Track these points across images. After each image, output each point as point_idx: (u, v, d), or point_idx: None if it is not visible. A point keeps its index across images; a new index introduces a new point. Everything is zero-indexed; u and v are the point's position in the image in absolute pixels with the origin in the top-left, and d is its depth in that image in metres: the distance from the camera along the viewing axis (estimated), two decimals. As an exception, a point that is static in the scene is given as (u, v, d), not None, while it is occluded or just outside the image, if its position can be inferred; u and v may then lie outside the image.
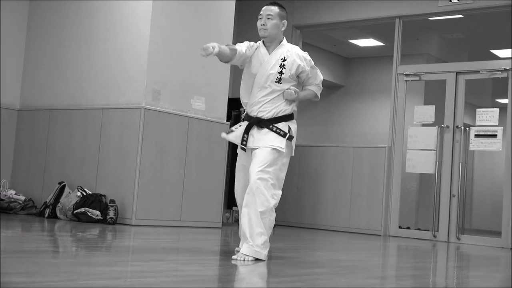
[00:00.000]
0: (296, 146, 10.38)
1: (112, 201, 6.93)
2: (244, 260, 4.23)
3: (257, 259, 4.25)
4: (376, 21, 9.75)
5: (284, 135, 4.43)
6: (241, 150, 4.59)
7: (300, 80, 4.64)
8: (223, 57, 4.48)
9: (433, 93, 9.90)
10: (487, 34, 10.76)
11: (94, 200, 6.95)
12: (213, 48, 4.25)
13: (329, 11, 9.99)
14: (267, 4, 4.69)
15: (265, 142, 4.41)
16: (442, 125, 8.81)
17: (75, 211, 6.88)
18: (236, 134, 4.55)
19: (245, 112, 4.63)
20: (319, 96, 4.83)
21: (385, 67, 10.49)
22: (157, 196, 7.15)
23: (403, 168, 9.05)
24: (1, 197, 7.50)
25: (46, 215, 7.18)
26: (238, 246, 4.54)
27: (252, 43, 4.65)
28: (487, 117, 8.47)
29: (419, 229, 9.25)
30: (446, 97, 8.89)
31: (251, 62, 4.58)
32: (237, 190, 4.66)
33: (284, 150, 4.44)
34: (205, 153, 7.64)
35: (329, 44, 12.42)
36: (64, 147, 7.69)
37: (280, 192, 4.47)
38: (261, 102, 4.49)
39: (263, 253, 4.30)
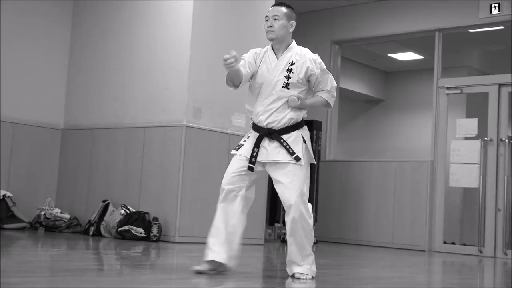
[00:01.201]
0: (336, 161, 10.40)
1: (155, 219, 6.96)
2: (304, 279, 4.20)
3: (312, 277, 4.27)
4: (415, 34, 9.68)
5: (292, 153, 4.15)
6: (232, 153, 4.33)
7: (310, 85, 4.37)
8: (236, 78, 4.23)
9: (476, 106, 9.77)
10: (529, 45, 10.60)
11: (137, 218, 6.99)
12: (234, 55, 4.00)
13: (367, 26, 9.96)
14: (273, 5, 4.46)
15: (284, 156, 4.16)
16: (486, 138, 8.67)
17: (119, 229, 6.93)
18: (246, 147, 4.25)
19: (252, 122, 4.36)
20: (331, 104, 4.50)
21: (426, 81, 10.40)
22: (200, 213, 7.16)
23: (446, 182, 8.93)
24: (47, 216, 7.59)
25: (91, 233, 7.24)
26: (202, 266, 4.22)
27: (257, 50, 4.40)
28: (532, 129, 8.33)
29: (464, 244, 9.09)
30: (489, 109, 8.77)
31: (260, 69, 4.31)
32: (229, 177, 4.28)
33: (303, 164, 4.19)
34: (247, 169, 7.62)
35: (369, 58, 12.37)
36: (107, 165, 7.76)
37: (310, 205, 4.30)
38: (269, 110, 4.23)
39: (315, 271, 4.31)
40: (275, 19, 4.33)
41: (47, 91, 8.27)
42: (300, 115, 4.28)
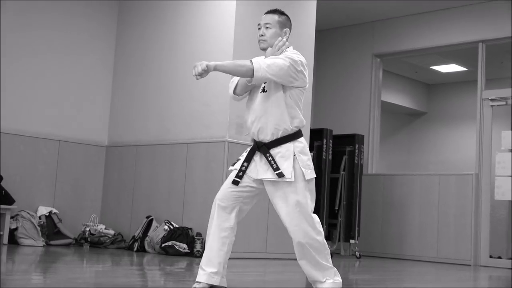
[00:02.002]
0: (379, 175, 10.32)
1: (199, 234, 7.00)
2: None
3: None
4: (458, 46, 9.60)
5: (276, 169, 3.87)
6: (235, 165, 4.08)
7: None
8: (243, 89, 4.07)
9: (521, 117, 9.62)
10: None
11: (181, 233, 7.03)
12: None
13: (409, 38, 9.91)
14: (266, 12, 4.16)
15: (273, 174, 3.89)
16: (532, 150, 8.54)
17: (163, 245, 6.98)
18: (240, 162, 4.04)
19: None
20: (255, 75, 3.88)
21: (469, 93, 10.29)
22: (243, 228, 7.14)
23: (491, 195, 8.79)
24: (92, 232, 7.68)
25: (135, 249, 7.31)
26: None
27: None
28: None
29: (511, 258, 8.93)
30: (534, 121, 8.64)
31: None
32: (223, 191, 4.05)
33: (292, 179, 3.86)
34: (289, 184, 7.62)
35: (410, 71, 12.29)
36: (150, 181, 7.83)
37: (316, 217, 4.01)
38: (256, 120, 3.96)
39: (340, 281, 4.05)
40: (267, 28, 4.07)
41: (92, 109, 8.40)
42: (288, 123, 3.94)
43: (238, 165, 4.02)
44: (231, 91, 4.15)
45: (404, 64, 11.68)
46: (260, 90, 3.98)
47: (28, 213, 7.39)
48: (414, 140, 13.21)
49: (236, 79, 4.14)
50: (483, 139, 9.01)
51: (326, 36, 10.45)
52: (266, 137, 3.93)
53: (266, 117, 3.94)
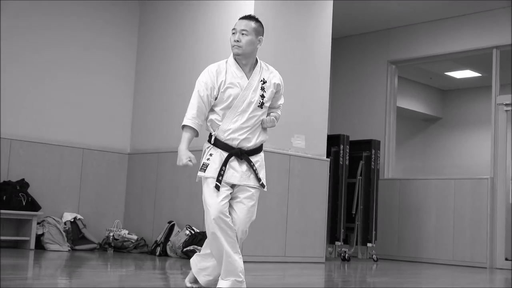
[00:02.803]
0: (395, 179, 10.31)
1: (219, 239, 7.01)
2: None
3: None
4: (472, 52, 9.58)
5: (259, 180, 3.97)
6: (199, 175, 3.99)
7: (271, 103, 4.10)
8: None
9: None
10: None
11: (202, 238, 7.05)
12: (190, 160, 3.92)
13: (423, 45, 9.90)
14: (241, 18, 4.08)
15: (254, 181, 3.96)
16: (546, 154, 8.50)
17: (185, 249, 7.01)
18: (214, 167, 3.91)
19: (214, 137, 3.98)
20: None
21: (483, 98, 10.26)
22: (262, 232, 7.20)
23: (507, 199, 8.76)
24: (115, 237, 7.74)
25: (157, 253, 7.35)
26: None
27: (215, 66, 4.15)
28: None
29: (526, 260, 8.89)
30: (549, 125, 8.59)
31: (225, 82, 4.02)
32: (221, 206, 3.88)
33: (266, 190, 4.09)
34: (307, 189, 7.66)
35: (425, 77, 12.26)
36: (171, 187, 7.88)
37: None
38: (243, 129, 3.92)
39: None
40: (242, 34, 3.99)
41: (114, 118, 8.48)
42: (266, 137, 4.06)
43: (213, 171, 3.90)
44: (185, 123, 4.16)
45: (419, 71, 11.66)
46: (258, 103, 3.95)
47: (54, 219, 7.47)
48: (430, 145, 13.17)
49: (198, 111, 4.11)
50: (498, 143, 8.98)
51: (342, 44, 10.46)
52: (248, 145, 3.95)
53: (256, 130, 3.96)
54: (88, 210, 8.06)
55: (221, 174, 3.86)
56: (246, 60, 4.02)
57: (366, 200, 9.01)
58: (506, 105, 8.97)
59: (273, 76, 4.07)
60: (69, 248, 7.41)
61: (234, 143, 3.92)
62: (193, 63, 7.95)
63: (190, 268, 6.03)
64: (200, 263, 4.17)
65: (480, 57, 9.80)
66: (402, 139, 11.68)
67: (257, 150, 4.00)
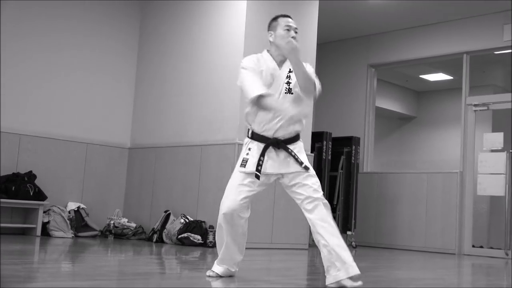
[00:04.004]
0: (373, 173, 10.34)
1: (211, 227, 7.03)
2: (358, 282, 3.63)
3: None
4: (444, 57, 9.60)
5: (301, 163, 3.76)
6: (241, 171, 3.77)
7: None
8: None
9: (501, 121, 9.62)
10: (550, 64, 10.40)
11: (195, 226, 7.07)
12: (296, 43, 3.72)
13: (401, 50, 9.92)
14: (286, 16, 3.99)
15: (295, 167, 3.76)
16: (511, 151, 8.52)
17: (179, 236, 7.01)
18: (252, 161, 3.77)
19: (251, 131, 3.86)
20: (316, 92, 3.83)
21: (454, 99, 10.29)
22: (250, 221, 7.14)
23: (474, 191, 8.80)
24: (116, 225, 7.73)
25: (154, 240, 7.35)
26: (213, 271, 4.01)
27: (254, 58, 3.92)
28: (554, 142, 8.15)
29: (491, 247, 8.92)
30: (513, 124, 8.63)
31: (263, 76, 3.86)
32: (237, 205, 3.81)
33: (313, 173, 3.82)
34: (292, 182, 7.64)
35: (402, 79, 12.28)
36: (168, 179, 7.87)
37: None
38: (277, 118, 3.77)
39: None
40: (296, 32, 3.92)
41: (116, 115, 8.45)
42: (302, 127, 3.90)
43: (252, 165, 3.75)
44: (258, 92, 3.72)
45: (396, 74, 11.68)
46: (285, 90, 3.82)
47: (59, 208, 7.44)
48: (405, 142, 13.20)
49: (256, 84, 3.77)
50: (467, 140, 9.01)
51: (326, 49, 10.46)
52: (283, 135, 3.80)
53: (290, 119, 3.79)
54: (90, 200, 8.04)
55: (260, 164, 3.73)
56: (283, 56, 3.91)
57: (346, 192, 9.02)
58: (475, 105, 9.00)
59: None
60: (73, 235, 7.39)
61: (270, 133, 3.79)
62: (190, 64, 7.93)
63: (184, 254, 6.05)
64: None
65: (452, 61, 9.82)
66: (380, 136, 11.69)
67: (294, 139, 3.85)
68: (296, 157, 3.78)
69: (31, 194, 7.21)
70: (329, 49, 10.60)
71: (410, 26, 9.76)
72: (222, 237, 3.91)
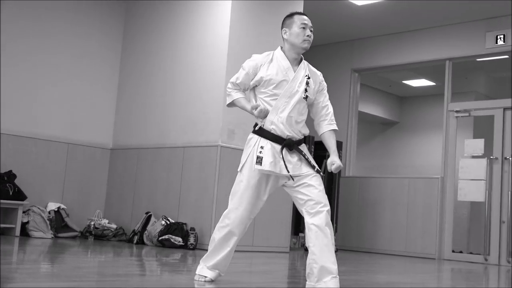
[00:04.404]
0: (355, 177, 10.35)
1: (192, 229, 7.00)
2: None
3: None
4: (427, 63, 9.65)
5: (313, 167, 3.72)
6: (258, 169, 3.67)
7: (314, 102, 3.86)
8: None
9: (482, 127, 9.69)
10: (531, 72, 10.50)
11: (176, 228, 7.04)
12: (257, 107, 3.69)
13: (384, 56, 9.96)
14: (302, 14, 3.93)
15: (308, 169, 3.72)
16: (491, 157, 8.59)
17: (160, 238, 6.97)
18: (269, 160, 3.66)
19: (258, 126, 3.77)
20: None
21: (436, 105, 10.35)
22: (232, 224, 7.16)
23: (455, 196, 8.85)
24: (96, 226, 7.67)
25: (135, 241, 7.30)
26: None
27: (260, 57, 3.87)
28: (534, 149, 8.23)
29: (471, 253, 8.98)
30: (494, 131, 8.69)
31: (270, 74, 3.77)
32: (242, 218, 3.76)
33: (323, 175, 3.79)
34: (274, 185, 7.63)
35: (385, 85, 12.34)
36: (150, 181, 7.83)
37: None
38: (289, 120, 3.71)
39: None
40: (311, 31, 3.86)
41: (98, 115, 8.40)
42: (308, 131, 3.86)
43: (270, 165, 3.64)
44: (227, 102, 3.93)
45: (379, 79, 11.73)
46: (303, 95, 3.75)
47: (39, 208, 7.37)
48: (387, 147, 13.26)
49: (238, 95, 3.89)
50: (448, 146, 9.06)
51: (310, 53, 10.43)
52: (296, 136, 3.74)
53: (300, 121, 3.77)
54: (71, 200, 7.97)
55: (286, 166, 3.64)
56: (298, 55, 3.86)
57: (328, 195, 8.88)
58: (457, 111, 9.06)
59: (317, 76, 3.93)
60: (52, 236, 7.32)
61: (283, 134, 3.70)
62: (174, 65, 7.90)
63: (164, 256, 6.01)
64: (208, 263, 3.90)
65: (434, 67, 9.88)
66: (362, 140, 11.73)
67: (302, 141, 3.81)
68: (309, 160, 3.74)
69: (11, 193, 7.13)
70: (313, 53, 10.56)
71: (394, 31, 9.80)
72: (228, 243, 3.79)
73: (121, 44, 8.61)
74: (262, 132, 3.74)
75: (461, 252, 8.92)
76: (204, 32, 7.62)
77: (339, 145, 9.25)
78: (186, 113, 7.62)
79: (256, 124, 3.81)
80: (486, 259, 8.41)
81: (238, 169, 3.82)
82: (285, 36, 3.87)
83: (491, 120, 8.77)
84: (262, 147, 3.69)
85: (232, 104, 3.95)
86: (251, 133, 3.82)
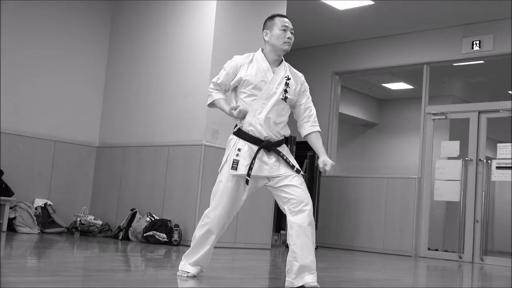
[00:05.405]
0: (335, 177, 10.35)
1: (176, 226, 6.99)
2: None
3: None
4: (406, 67, 9.71)
5: (292, 167, 3.67)
6: (232, 174, 3.63)
7: (295, 103, 3.82)
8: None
9: (458, 130, 9.77)
10: (505, 77, 10.59)
11: (161, 224, 7.02)
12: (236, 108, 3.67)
13: (364, 59, 10.00)
14: (283, 16, 3.88)
15: (287, 169, 3.65)
16: (466, 158, 8.66)
17: (145, 234, 6.95)
18: (244, 163, 3.62)
19: (239, 129, 3.71)
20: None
21: (414, 107, 10.41)
22: (215, 221, 7.16)
23: (431, 196, 8.91)
24: (82, 222, 7.63)
25: (120, 237, 7.27)
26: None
27: (240, 58, 3.84)
28: (507, 151, 8.31)
29: (446, 250, 9.05)
30: (469, 133, 8.76)
31: (249, 74, 3.73)
32: (221, 217, 3.71)
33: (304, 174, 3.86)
34: (257, 183, 7.64)
35: (365, 87, 12.39)
36: (135, 178, 7.80)
37: None
38: (268, 121, 3.66)
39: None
40: (292, 33, 3.81)
41: (85, 114, 8.35)
42: (289, 132, 3.84)
43: (244, 169, 3.61)
44: (208, 102, 3.90)
45: (359, 81, 11.78)
46: (281, 96, 3.70)
47: (26, 204, 7.32)
48: (366, 148, 13.32)
49: (219, 96, 3.85)
50: (425, 147, 9.12)
51: (293, 55, 10.46)
52: (274, 138, 3.69)
53: (279, 123, 3.73)
54: (58, 196, 7.92)
55: (251, 168, 3.59)
56: (279, 57, 3.82)
57: (309, 194, 9.04)
58: (433, 114, 9.12)
59: (299, 77, 3.88)
60: (39, 231, 7.27)
61: (261, 136, 3.65)
62: (159, 65, 7.88)
63: (149, 252, 5.99)
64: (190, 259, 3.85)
65: (413, 71, 9.94)
66: (343, 141, 11.78)
67: (281, 142, 3.76)
68: (288, 160, 3.68)
69: (-2, 190, 7.07)
70: (296, 55, 10.62)
71: (374, 36, 9.85)
72: (207, 241, 3.76)
73: (108, 43, 8.57)
74: (240, 133, 3.70)
75: (436, 250, 8.99)
76: (189, 33, 7.60)
77: (320, 146, 9.25)
78: (171, 112, 7.60)
79: (235, 125, 3.78)
80: (460, 257, 8.48)
81: (219, 170, 3.79)
82: (266, 38, 3.84)
83: (467, 122, 8.85)
84: (239, 150, 3.65)
85: (212, 105, 3.91)
86: (231, 134, 3.78)
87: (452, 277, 6.41)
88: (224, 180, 3.71)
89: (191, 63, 7.50)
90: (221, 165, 3.79)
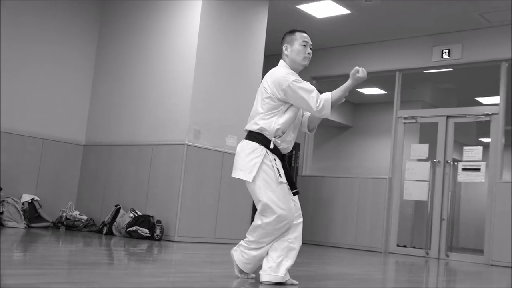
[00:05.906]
0: (311, 176, 10.39)
1: (159, 221, 6.97)
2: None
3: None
4: (379, 73, 9.77)
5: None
6: (282, 177, 3.59)
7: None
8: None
9: (427, 133, 9.86)
10: (472, 84, 10.73)
11: (143, 220, 6.99)
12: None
13: (341, 65, 10.05)
14: (303, 31, 3.84)
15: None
16: (434, 160, 8.75)
17: (128, 229, 6.92)
18: (282, 172, 3.62)
19: (271, 142, 3.60)
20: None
21: (386, 112, 10.48)
22: (196, 217, 7.17)
23: (401, 195, 8.98)
24: (68, 217, 7.57)
25: (104, 232, 7.23)
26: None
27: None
28: (472, 153, 8.40)
29: (414, 247, 9.13)
30: (438, 137, 8.85)
31: None
32: (290, 211, 3.62)
33: None
34: (236, 181, 7.57)
35: (340, 92, 12.41)
36: (120, 176, 7.77)
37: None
38: (291, 141, 3.72)
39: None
40: (311, 48, 3.78)
41: (72, 113, 8.29)
42: None
43: (284, 177, 3.59)
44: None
45: (336, 86, 11.63)
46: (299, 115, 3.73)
47: (13, 199, 7.24)
48: (341, 149, 13.37)
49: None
50: (396, 149, 9.19)
51: (272, 60, 10.47)
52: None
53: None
54: (44, 192, 7.85)
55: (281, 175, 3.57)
56: (297, 72, 3.77)
57: (286, 193, 9.05)
58: (404, 118, 9.20)
59: None
60: (26, 226, 7.20)
61: (285, 151, 3.68)
62: (146, 65, 7.85)
63: (132, 246, 5.97)
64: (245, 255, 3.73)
65: (386, 77, 10.01)
66: (318, 143, 11.81)
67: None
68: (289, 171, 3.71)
69: (-13, 185, 6.99)
70: (275, 61, 10.63)
71: (350, 43, 9.91)
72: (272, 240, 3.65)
73: (96, 42, 8.51)
74: (268, 144, 3.59)
75: (405, 246, 9.06)
76: (174, 34, 7.58)
77: (297, 147, 9.31)
78: (156, 113, 7.58)
79: (264, 137, 3.60)
80: (427, 253, 8.56)
81: (249, 180, 3.56)
82: (286, 52, 3.79)
83: (435, 126, 8.93)
84: (275, 159, 3.58)
85: (334, 104, 3.80)
86: (253, 142, 3.60)
87: (419, 272, 6.47)
88: (274, 185, 3.55)
89: (176, 64, 7.48)
90: (251, 174, 3.56)
